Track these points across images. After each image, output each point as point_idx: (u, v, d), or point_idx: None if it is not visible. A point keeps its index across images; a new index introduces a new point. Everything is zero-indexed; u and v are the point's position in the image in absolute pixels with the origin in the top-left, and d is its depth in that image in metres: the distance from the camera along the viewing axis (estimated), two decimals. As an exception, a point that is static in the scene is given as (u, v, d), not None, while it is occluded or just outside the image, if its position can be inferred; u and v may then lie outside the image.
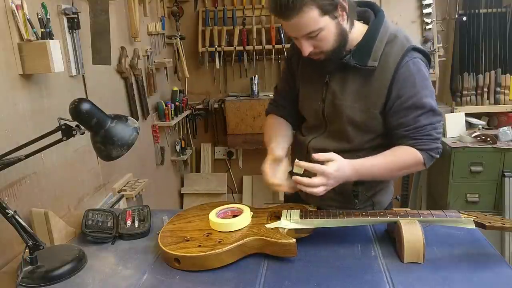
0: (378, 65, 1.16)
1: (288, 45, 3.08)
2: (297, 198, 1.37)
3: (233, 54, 3.19)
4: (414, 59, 1.16)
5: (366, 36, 1.18)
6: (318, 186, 1.09)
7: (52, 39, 1.42)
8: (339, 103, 1.22)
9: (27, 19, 1.38)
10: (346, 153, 1.25)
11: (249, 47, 3.16)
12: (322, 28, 1.09)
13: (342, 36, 1.13)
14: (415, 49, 1.17)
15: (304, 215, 1.15)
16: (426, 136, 1.18)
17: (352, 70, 1.19)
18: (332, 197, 1.29)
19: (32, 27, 1.39)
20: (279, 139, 1.32)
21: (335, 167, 1.10)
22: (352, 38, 1.18)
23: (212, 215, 1.20)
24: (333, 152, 1.20)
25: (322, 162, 1.12)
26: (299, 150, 1.38)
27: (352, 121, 1.22)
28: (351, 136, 1.25)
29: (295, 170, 1.15)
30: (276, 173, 1.22)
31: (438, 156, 1.21)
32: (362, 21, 1.24)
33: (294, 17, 1.06)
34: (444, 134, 2.79)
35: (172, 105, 2.90)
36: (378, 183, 1.35)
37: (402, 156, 1.19)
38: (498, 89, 2.93)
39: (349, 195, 1.29)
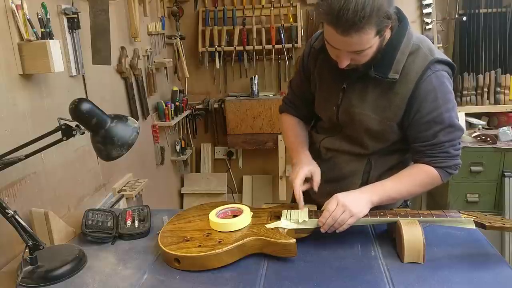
0: (399, 77, 1.12)
1: (289, 45, 3.12)
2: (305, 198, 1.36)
3: (233, 54, 3.19)
4: (437, 72, 1.11)
5: (388, 46, 1.12)
6: (339, 214, 1.09)
7: (52, 39, 1.42)
8: (356, 111, 1.19)
9: (27, 19, 1.37)
10: (359, 156, 1.26)
11: (249, 47, 3.16)
12: (370, 47, 1.04)
13: (379, 51, 1.09)
14: (439, 61, 1.12)
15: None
16: (443, 153, 1.14)
17: (372, 80, 1.15)
18: None
19: (32, 27, 1.39)
20: (306, 150, 1.32)
21: (340, 195, 1.12)
22: None
23: (212, 215, 1.20)
24: (347, 153, 1.25)
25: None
26: (310, 147, 1.37)
27: (368, 130, 1.20)
28: (366, 143, 1.23)
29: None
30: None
31: (455, 172, 1.18)
32: None
33: (352, 34, 0.98)
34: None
35: (172, 105, 2.89)
36: None
37: (419, 176, 1.17)
38: (498, 89, 2.93)
39: None
